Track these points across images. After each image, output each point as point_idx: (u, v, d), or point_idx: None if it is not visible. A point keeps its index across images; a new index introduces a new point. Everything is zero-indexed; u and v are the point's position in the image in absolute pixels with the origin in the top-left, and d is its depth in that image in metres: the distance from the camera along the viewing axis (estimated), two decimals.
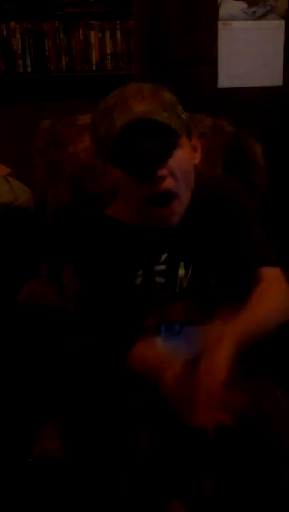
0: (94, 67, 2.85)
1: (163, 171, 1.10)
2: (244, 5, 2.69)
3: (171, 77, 2.80)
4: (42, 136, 1.58)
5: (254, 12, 2.70)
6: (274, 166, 1.70)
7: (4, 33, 2.79)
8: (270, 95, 2.75)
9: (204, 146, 1.57)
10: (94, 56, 2.84)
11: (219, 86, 2.77)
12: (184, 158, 1.15)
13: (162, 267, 1.22)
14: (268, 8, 2.69)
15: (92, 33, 2.81)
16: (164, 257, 1.22)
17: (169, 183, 1.12)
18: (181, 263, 1.22)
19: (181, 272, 1.22)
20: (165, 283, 1.22)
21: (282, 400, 1.23)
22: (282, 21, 2.70)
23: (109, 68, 2.84)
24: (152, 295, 1.22)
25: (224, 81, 2.77)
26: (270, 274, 1.18)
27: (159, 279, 1.22)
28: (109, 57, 2.83)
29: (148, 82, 1.16)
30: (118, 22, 2.80)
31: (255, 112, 2.73)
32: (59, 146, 1.56)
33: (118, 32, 2.81)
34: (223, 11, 2.69)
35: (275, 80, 2.76)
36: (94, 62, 2.84)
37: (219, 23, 2.71)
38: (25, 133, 1.70)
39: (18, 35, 2.80)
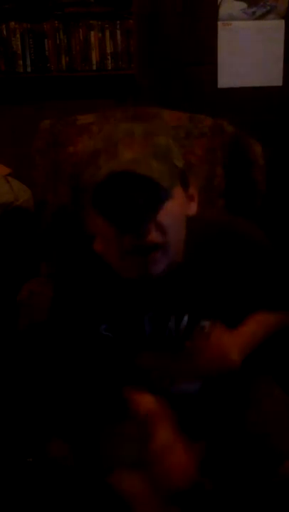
0: (94, 67, 2.84)
1: (149, 225, 0.99)
2: (244, 5, 2.70)
3: (171, 77, 2.81)
4: (42, 136, 1.58)
5: (254, 12, 2.70)
6: (274, 166, 1.71)
7: (4, 33, 2.79)
8: (270, 95, 2.76)
9: (204, 146, 1.58)
10: (94, 56, 2.83)
11: (219, 86, 2.77)
12: (175, 211, 1.02)
13: (152, 317, 1.17)
14: (268, 8, 2.70)
15: (92, 33, 2.81)
16: (153, 309, 1.16)
17: (154, 237, 1.01)
18: (172, 316, 1.17)
19: (172, 324, 1.17)
20: (154, 331, 1.18)
21: (281, 400, 1.24)
22: (282, 21, 2.71)
23: (109, 68, 2.84)
24: (140, 341, 1.18)
25: (224, 81, 2.77)
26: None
27: (148, 328, 1.17)
28: (109, 57, 2.83)
29: (142, 123, 1.04)
30: (118, 22, 2.79)
31: (255, 111, 2.73)
32: (59, 146, 1.56)
33: (118, 32, 2.81)
34: (223, 11, 2.70)
35: (275, 80, 2.76)
36: (94, 62, 2.84)
37: (219, 23, 2.71)
38: (25, 133, 1.70)
39: (18, 35, 2.80)
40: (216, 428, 1.18)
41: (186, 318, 1.17)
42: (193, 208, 1.10)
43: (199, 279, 1.16)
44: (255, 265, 1.17)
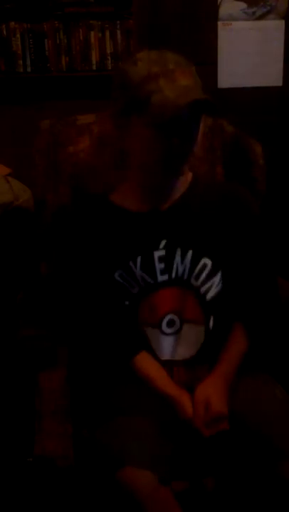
0: (94, 67, 2.84)
1: (195, 143, 1.21)
2: (244, 5, 2.70)
3: None
4: (42, 136, 1.58)
5: (254, 12, 2.70)
6: (274, 166, 1.70)
7: (4, 33, 2.78)
8: (270, 95, 2.76)
9: (204, 146, 1.58)
10: (94, 56, 2.83)
11: (219, 86, 2.77)
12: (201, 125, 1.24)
13: (162, 252, 1.27)
14: (268, 8, 2.69)
15: (92, 33, 2.81)
16: (163, 243, 1.28)
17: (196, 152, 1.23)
18: (178, 249, 1.27)
19: (178, 258, 1.27)
20: (164, 268, 1.27)
21: (282, 399, 1.24)
22: (282, 21, 2.71)
23: (109, 68, 2.83)
24: (152, 280, 1.27)
25: (224, 81, 2.77)
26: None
27: (158, 265, 1.27)
28: (109, 57, 2.83)
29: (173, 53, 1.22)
30: (118, 22, 2.79)
31: (255, 111, 2.73)
32: (59, 146, 1.56)
33: (118, 32, 2.80)
34: (223, 11, 2.70)
35: (275, 80, 2.76)
36: (94, 62, 2.84)
37: (219, 23, 2.71)
38: (25, 133, 1.70)
39: (18, 35, 2.79)
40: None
41: (190, 253, 1.27)
42: None
43: (200, 218, 1.29)
44: (246, 221, 1.32)
